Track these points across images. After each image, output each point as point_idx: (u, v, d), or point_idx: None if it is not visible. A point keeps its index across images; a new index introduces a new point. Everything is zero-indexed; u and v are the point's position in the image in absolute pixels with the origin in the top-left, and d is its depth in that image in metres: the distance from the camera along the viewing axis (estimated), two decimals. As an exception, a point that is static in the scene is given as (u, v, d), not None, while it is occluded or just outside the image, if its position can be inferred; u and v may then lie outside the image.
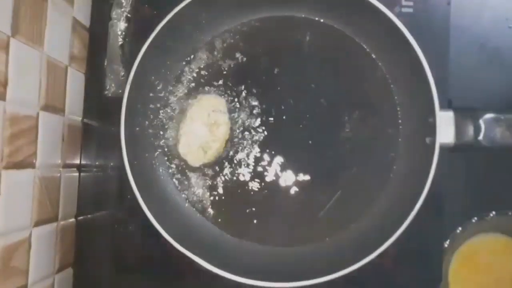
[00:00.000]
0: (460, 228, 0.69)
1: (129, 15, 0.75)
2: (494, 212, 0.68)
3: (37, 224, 0.65)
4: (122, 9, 0.75)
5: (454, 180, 0.69)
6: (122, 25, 0.75)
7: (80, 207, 0.76)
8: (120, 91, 0.75)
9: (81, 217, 0.76)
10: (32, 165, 0.63)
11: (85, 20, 0.77)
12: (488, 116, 0.61)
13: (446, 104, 0.63)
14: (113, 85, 0.75)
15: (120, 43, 0.75)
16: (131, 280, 0.74)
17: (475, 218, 0.69)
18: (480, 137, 0.60)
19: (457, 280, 0.70)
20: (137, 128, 0.69)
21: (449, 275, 0.70)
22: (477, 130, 0.61)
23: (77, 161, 0.76)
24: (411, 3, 0.70)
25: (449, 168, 0.65)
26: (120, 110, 0.70)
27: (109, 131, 0.75)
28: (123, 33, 0.75)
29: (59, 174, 0.71)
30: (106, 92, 0.76)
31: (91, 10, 0.78)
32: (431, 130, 0.61)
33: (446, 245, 0.68)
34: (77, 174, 0.76)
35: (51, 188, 0.69)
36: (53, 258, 0.70)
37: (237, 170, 0.72)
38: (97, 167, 0.77)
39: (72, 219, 0.75)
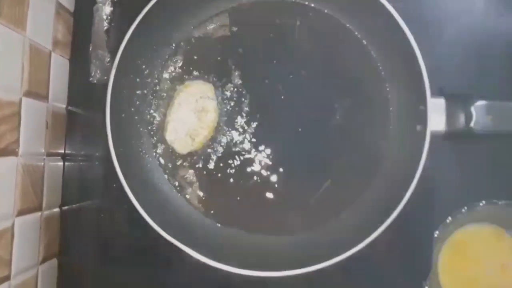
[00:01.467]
0: (450, 218, 0.68)
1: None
2: (484, 202, 0.68)
3: (21, 213, 0.63)
4: (108, -7, 0.73)
5: (444, 170, 0.68)
6: (107, 9, 0.74)
7: (65, 197, 0.74)
8: (106, 77, 0.73)
9: (66, 207, 0.74)
10: (14, 153, 0.62)
11: (70, 4, 0.75)
12: (480, 103, 0.60)
13: (437, 92, 0.62)
14: (98, 71, 0.74)
15: (105, 28, 0.74)
16: (117, 270, 0.73)
17: (465, 207, 0.68)
18: (472, 124, 0.60)
19: (447, 270, 0.70)
20: (123, 115, 0.68)
21: (438, 265, 0.69)
22: (468, 117, 0.60)
23: (62, 150, 0.75)
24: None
25: (439, 157, 0.65)
26: (106, 97, 0.69)
27: (94, 118, 0.74)
28: (109, 17, 0.74)
29: (43, 163, 0.69)
30: (91, 79, 0.74)
31: (75, -6, 0.76)
32: (422, 117, 0.60)
33: (436, 235, 0.68)
34: (61, 163, 0.74)
35: (35, 176, 0.67)
36: (37, 249, 0.68)
37: (226, 157, 0.71)
38: (82, 155, 0.75)
39: (57, 209, 0.73)
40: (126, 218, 0.71)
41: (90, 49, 0.74)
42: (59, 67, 0.73)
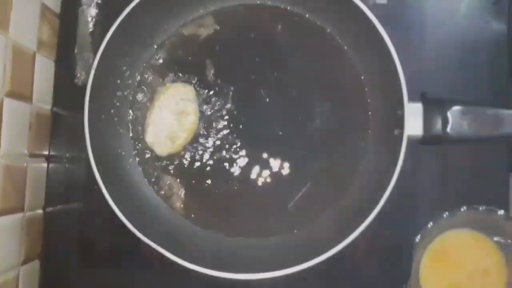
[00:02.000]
0: (431, 223, 0.68)
1: (99, 1, 0.74)
2: (465, 207, 0.68)
3: (1, 213, 0.63)
4: (93, -5, 0.74)
5: (426, 175, 0.69)
6: (92, 11, 0.74)
7: (48, 199, 0.74)
8: (90, 79, 0.74)
9: (49, 209, 0.74)
10: (-5, 153, 0.62)
11: (55, 5, 0.75)
12: (456, 108, 0.60)
13: (417, 97, 0.62)
14: (83, 73, 0.74)
15: (90, 30, 0.74)
16: (98, 272, 0.73)
17: (446, 213, 0.68)
18: (448, 129, 0.60)
19: (429, 276, 0.69)
20: (103, 116, 0.68)
21: (420, 271, 0.69)
22: (444, 122, 0.60)
23: (46, 151, 0.75)
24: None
25: (420, 163, 0.65)
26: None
27: (79, 120, 0.73)
28: (94, 19, 0.74)
29: (25, 164, 0.69)
30: (76, 80, 0.74)
31: (61, -4, 0.76)
32: (400, 122, 0.60)
33: (417, 240, 0.68)
34: (45, 164, 0.74)
35: (17, 177, 0.67)
36: (19, 250, 0.68)
37: (205, 160, 0.71)
38: (67, 157, 0.75)
39: (40, 211, 0.73)
40: (107, 221, 0.70)
41: (76, 51, 0.74)
42: (44, 68, 0.73)
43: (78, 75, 0.74)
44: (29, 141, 0.70)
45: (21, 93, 0.67)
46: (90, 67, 0.72)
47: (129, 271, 0.72)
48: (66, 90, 0.76)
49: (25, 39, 0.68)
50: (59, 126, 0.76)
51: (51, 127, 0.75)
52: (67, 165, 0.75)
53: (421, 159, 0.65)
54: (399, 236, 0.68)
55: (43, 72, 0.73)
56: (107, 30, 0.69)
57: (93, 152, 0.63)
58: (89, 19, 0.74)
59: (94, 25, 0.74)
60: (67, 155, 0.75)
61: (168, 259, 0.61)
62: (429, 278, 0.70)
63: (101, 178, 0.62)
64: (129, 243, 0.67)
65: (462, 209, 0.68)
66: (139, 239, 0.62)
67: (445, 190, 0.69)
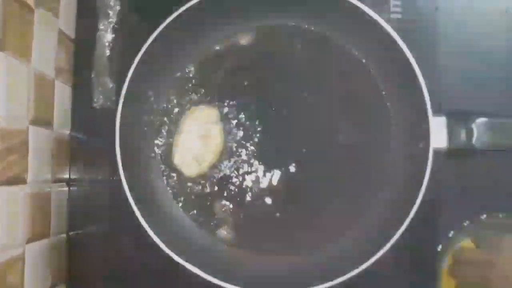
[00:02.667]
0: (452, 232, 0.69)
1: (116, 26, 0.75)
2: (485, 215, 0.69)
3: (30, 240, 0.64)
4: (109, 20, 0.74)
5: (446, 184, 0.69)
6: (109, 36, 0.75)
7: (71, 223, 0.75)
8: (109, 103, 0.75)
9: (73, 232, 0.74)
10: (23, 181, 0.62)
11: (71, 31, 0.76)
12: (480, 120, 0.62)
13: (437, 109, 0.63)
14: (101, 97, 0.75)
15: (107, 54, 0.75)
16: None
17: (467, 221, 0.69)
18: (473, 141, 0.61)
19: (450, 284, 0.70)
20: (131, 141, 0.68)
21: (442, 279, 0.70)
22: (469, 134, 0.61)
23: (66, 175, 0.75)
24: (399, 9, 0.70)
25: (441, 173, 0.65)
26: (109, 122, 0.69)
27: (97, 144, 0.74)
28: (111, 44, 0.75)
29: (49, 189, 0.70)
30: (94, 105, 0.75)
31: (76, 21, 0.77)
32: (424, 135, 0.61)
33: (439, 249, 0.69)
34: (66, 188, 0.75)
35: (42, 203, 0.68)
36: (46, 275, 0.68)
37: (232, 180, 0.72)
38: (87, 181, 0.76)
39: (64, 235, 0.74)
40: (134, 243, 0.71)
41: (93, 76, 0.75)
42: (62, 94, 0.73)
43: (96, 99, 0.75)
44: (52, 167, 0.70)
45: (43, 120, 0.68)
46: (107, 92, 0.74)
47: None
48: (83, 114, 0.76)
49: (45, 66, 0.68)
50: (78, 150, 0.76)
51: (70, 152, 0.76)
52: (87, 188, 0.76)
53: (441, 169, 0.64)
54: (423, 245, 0.69)
55: (61, 97, 0.73)
56: (125, 55, 0.71)
57: (124, 176, 0.63)
58: (106, 44, 0.75)
59: (111, 50, 0.75)
60: (86, 177, 0.76)
61: (199, 278, 0.62)
62: (450, 286, 0.70)
63: (134, 202, 0.62)
64: (156, 264, 0.69)
65: (482, 217, 0.69)
66: (166, 259, 0.62)
67: (466, 199, 0.70)
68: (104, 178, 0.75)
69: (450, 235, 0.69)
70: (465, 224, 0.69)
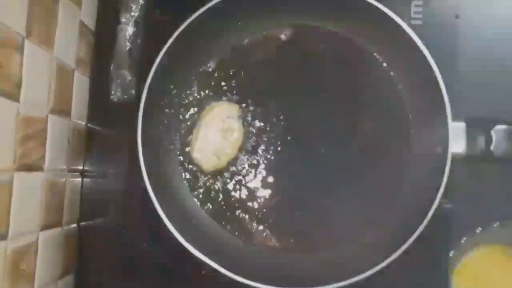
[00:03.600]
0: (464, 238, 0.69)
1: (138, 19, 0.75)
2: (498, 223, 0.69)
3: (44, 228, 0.64)
4: (132, 13, 0.75)
5: (460, 190, 0.69)
6: (130, 29, 0.75)
7: (83, 213, 0.75)
8: (126, 96, 0.75)
9: (84, 223, 0.75)
10: (41, 168, 0.63)
11: (91, 23, 0.77)
12: (499, 127, 0.62)
13: (457, 115, 0.63)
14: (119, 90, 0.75)
15: (127, 48, 0.75)
16: (133, 285, 0.73)
17: (480, 228, 0.69)
18: (491, 148, 0.61)
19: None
20: (152, 134, 0.69)
21: (452, 286, 0.70)
22: (488, 141, 0.61)
23: (81, 166, 0.75)
24: (420, 16, 0.71)
25: (454, 178, 0.65)
26: (126, 115, 0.70)
27: (113, 136, 0.75)
28: (131, 38, 0.75)
29: (64, 179, 0.70)
30: (112, 97, 0.75)
31: (97, 13, 0.78)
32: (443, 140, 0.61)
33: (451, 255, 0.69)
34: (80, 179, 0.75)
35: (57, 192, 0.68)
36: (57, 264, 0.69)
37: (250, 175, 0.72)
38: (101, 172, 0.76)
39: (75, 225, 0.74)
40: (149, 235, 0.72)
41: (112, 68, 0.76)
42: (80, 85, 0.74)
43: (113, 92, 0.75)
44: (67, 156, 0.71)
45: (62, 109, 0.68)
46: (126, 84, 0.74)
47: (166, 284, 0.73)
48: (100, 106, 0.77)
49: (66, 56, 0.69)
50: (93, 142, 0.76)
51: (86, 143, 0.76)
52: (101, 180, 0.76)
53: (455, 174, 0.64)
54: (435, 251, 0.69)
55: (80, 88, 0.74)
56: (147, 49, 0.71)
57: (146, 168, 0.64)
58: (127, 37, 0.75)
59: (132, 43, 0.75)
60: (100, 169, 0.76)
61: (213, 272, 0.63)
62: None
63: (153, 193, 0.63)
64: (168, 256, 0.70)
65: (495, 225, 0.69)
66: (182, 252, 0.63)
67: (479, 205, 0.70)
68: (119, 171, 0.75)
69: (463, 241, 0.69)
70: (478, 231, 0.69)
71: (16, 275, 0.57)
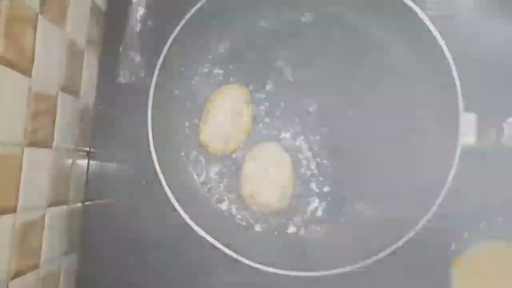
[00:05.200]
0: (467, 232, 0.69)
1: (149, 1, 0.75)
2: (501, 218, 0.69)
3: (50, 205, 0.64)
4: (143, -5, 0.75)
5: (469, 182, 0.68)
6: (141, 10, 0.75)
7: (88, 193, 0.75)
8: (134, 78, 0.75)
9: (88, 202, 0.75)
10: (49, 146, 0.63)
11: (103, 4, 0.76)
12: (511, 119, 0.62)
13: (469, 106, 0.62)
14: (127, 71, 0.75)
15: (138, 29, 0.75)
16: (135, 264, 0.74)
17: (483, 222, 0.69)
18: (502, 140, 0.61)
19: (462, 285, 0.70)
20: (161, 115, 0.68)
21: (453, 279, 0.70)
22: (499, 133, 0.62)
23: (87, 147, 0.75)
24: (435, 6, 0.70)
25: (459, 171, 0.65)
26: (134, 97, 0.70)
27: (121, 117, 0.75)
28: (142, 19, 0.75)
29: (71, 158, 0.70)
30: (120, 78, 0.75)
31: (108, -6, 0.78)
32: (454, 131, 0.61)
33: (452, 248, 0.69)
34: (86, 159, 0.75)
35: (64, 171, 0.68)
36: (62, 241, 0.69)
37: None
38: (107, 153, 0.76)
39: (80, 204, 0.74)
40: (155, 215, 0.72)
41: (121, 50, 0.75)
42: (90, 65, 0.74)
43: (122, 74, 0.75)
44: (75, 137, 0.71)
45: (72, 88, 0.68)
46: (134, 66, 0.74)
47: (165, 262, 0.73)
48: (108, 87, 0.77)
49: (77, 35, 0.69)
50: (101, 123, 0.76)
51: (93, 124, 0.76)
52: (107, 161, 0.76)
53: (460, 167, 0.64)
54: (439, 243, 0.69)
55: (89, 68, 0.74)
56: (156, 30, 0.71)
57: (154, 149, 0.64)
58: (138, 18, 0.75)
59: (143, 25, 0.75)
60: (107, 150, 0.76)
61: (216, 250, 0.63)
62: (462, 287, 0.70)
63: (162, 173, 0.63)
64: (174, 234, 0.70)
65: (499, 220, 0.69)
66: (189, 231, 0.64)
67: (483, 199, 0.69)
68: (126, 152, 0.75)
69: (465, 235, 0.69)
70: (481, 225, 0.69)
71: (23, 248, 0.58)
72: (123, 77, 0.76)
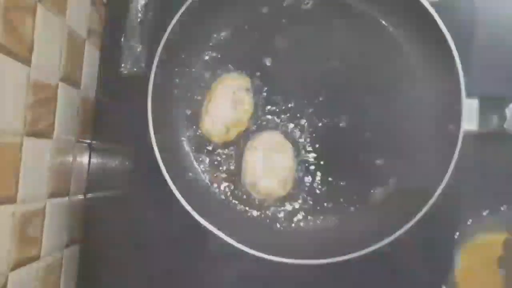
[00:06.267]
0: (470, 220, 0.69)
1: (150, -10, 0.75)
2: (505, 206, 0.69)
3: (51, 196, 0.64)
4: (144, -15, 0.74)
5: (471, 169, 0.67)
6: (142, 1, 0.74)
7: (89, 185, 0.75)
8: (135, 69, 0.75)
9: (90, 194, 0.75)
10: (50, 136, 0.63)
11: (103, -6, 0.76)
12: (514, 105, 0.61)
13: (471, 91, 0.62)
14: (129, 62, 0.75)
15: (139, 19, 0.75)
16: (137, 256, 0.74)
17: (487, 211, 0.69)
18: (505, 125, 0.61)
19: (465, 273, 0.70)
20: (161, 103, 0.68)
21: (457, 267, 0.70)
22: (501, 119, 0.61)
23: (89, 138, 0.75)
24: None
25: (463, 159, 0.64)
26: (135, 88, 0.70)
27: (122, 108, 0.74)
28: (143, 9, 0.75)
29: (72, 149, 0.70)
30: (121, 69, 0.75)
31: (109, -17, 0.77)
32: (456, 117, 0.61)
33: (456, 237, 0.69)
34: (87, 150, 0.75)
35: (64, 162, 0.68)
36: (63, 233, 0.69)
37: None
38: (108, 144, 0.76)
39: (81, 196, 0.74)
40: (156, 206, 0.72)
41: (122, 40, 0.75)
42: (90, 56, 0.74)
43: (124, 64, 0.75)
44: (75, 127, 0.71)
45: (72, 78, 0.68)
46: (136, 56, 0.74)
47: (165, 255, 0.73)
48: (109, 78, 0.76)
49: (78, 25, 0.69)
50: (102, 114, 0.76)
51: (94, 115, 0.76)
52: (108, 152, 0.76)
53: (464, 156, 0.62)
54: (442, 230, 0.69)
55: (90, 59, 0.74)
56: (158, 20, 0.71)
57: (155, 137, 0.64)
58: (139, 8, 0.74)
59: (144, 15, 0.75)
60: (109, 141, 0.76)
61: (220, 240, 0.63)
62: (466, 275, 0.70)
63: (163, 163, 0.63)
64: (180, 226, 0.69)
65: (502, 208, 0.69)
66: (191, 222, 0.63)
67: (488, 187, 0.69)
68: (127, 143, 0.75)
69: (469, 223, 0.69)
70: (485, 213, 0.69)
71: (23, 239, 0.58)
72: (125, 68, 0.75)
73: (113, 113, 0.76)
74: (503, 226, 0.70)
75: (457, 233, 0.69)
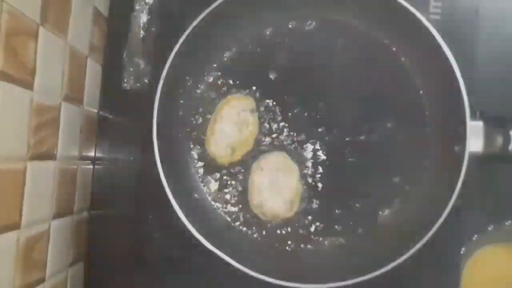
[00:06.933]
0: (476, 236, 0.69)
1: (152, 7, 0.74)
2: (510, 221, 0.69)
3: (56, 216, 0.64)
4: (146, 1, 0.74)
5: (477, 188, 0.67)
6: (144, 17, 0.74)
7: (94, 201, 0.75)
8: (138, 84, 0.74)
9: (94, 211, 0.75)
10: (53, 157, 0.63)
11: (105, 10, 0.76)
12: (518, 127, 0.61)
13: (475, 114, 0.62)
14: (131, 78, 0.74)
15: (141, 35, 0.74)
16: (142, 275, 0.73)
17: (492, 226, 0.69)
18: (509, 148, 0.61)
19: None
20: (166, 124, 0.68)
21: (463, 282, 0.70)
22: (506, 141, 0.61)
23: (92, 154, 0.75)
24: (439, 10, 0.69)
25: (473, 177, 0.63)
26: (138, 104, 0.70)
27: (125, 124, 0.74)
28: (145, 25, 0.74)
29: (75, 167, 0.70)
30: (124, 85, 0.75)
31: (110, 0, 0.77)
32: (461, 139, 0.61)
33: (462, 252, 0.69)
34: (91, 167, 0.75)
35: (69, 180, 0.68)
36: (68, 252, 0.69)
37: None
38: (112, 160, 0.76)
39: (86, 213, 0.74)
40: (159, 224, 0.72)
41: (125, 56, 0.75)
42: (93, 72, 0.73)
43: (126, 79, 0.75)
44: (79, 144, 0.70)
45: (75, 97, 0.68)
46: (139, 72, 0.73)
47: (171, 274, 0.73)
48: (113, 94, 0.76)
49: (79, 43, 0.68)
50: (105, 130, 0.76)
51: (97, 131, 0.76)
52: (112, 168, 0.76)
53: (471, 173, 0.62)
54: (448, 247, 0.69)
55: (92, 76, 0.73)
56: (160, 37, 0.71)
57: (160, 159, 0.64)
58: (141, 24, 0.74)
59: (146, 31, 0.74)
60: (112, 157, 0.76)
61: (222, 261, 0.63)
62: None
63: (167, 183, 0.63)
64: (176, 246, 0.70)
65: (507, 223, 0.69)
66: (193, 241, 0.63)
67: (492, 203, 0.69)
68: (130, 159, 0.75)
69: (474, 238, 0.69)
70: (490, 228, 0.69)
71: (28, 264, 0.57)
72: (127, 84, 0.75)
73: (117, 129, 0.76)
74: (507, 239, 0.70)
75: (463, 249, 0.69)
